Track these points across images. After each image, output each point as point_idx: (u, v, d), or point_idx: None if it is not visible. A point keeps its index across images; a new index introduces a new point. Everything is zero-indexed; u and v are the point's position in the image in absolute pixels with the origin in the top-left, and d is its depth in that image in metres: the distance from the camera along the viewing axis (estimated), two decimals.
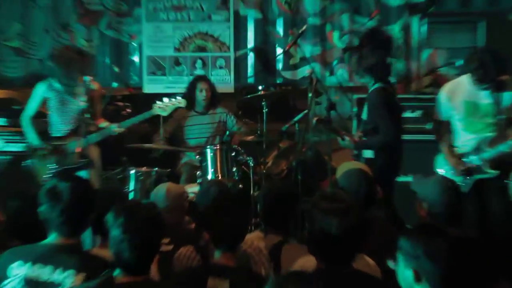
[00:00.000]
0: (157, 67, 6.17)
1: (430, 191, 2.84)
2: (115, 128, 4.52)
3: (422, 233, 2.01)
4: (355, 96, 5.54)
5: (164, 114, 4.61)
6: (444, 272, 1.94)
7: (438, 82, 5.85)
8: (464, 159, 4.17)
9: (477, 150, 4.12)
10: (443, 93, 4.26)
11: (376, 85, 4.23)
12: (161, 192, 3.54)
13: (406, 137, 4.96)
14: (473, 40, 5.69)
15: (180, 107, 4.80)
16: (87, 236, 2.97)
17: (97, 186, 4.42)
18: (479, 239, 2.92)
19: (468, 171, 4.13)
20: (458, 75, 5.56)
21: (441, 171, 4.24)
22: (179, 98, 4.70)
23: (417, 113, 5.36)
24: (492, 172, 4.06)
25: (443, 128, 4.33)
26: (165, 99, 4.61)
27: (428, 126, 5.02)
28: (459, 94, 4.14)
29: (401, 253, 2.05)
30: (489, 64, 3.89)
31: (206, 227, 2.73)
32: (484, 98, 4.06)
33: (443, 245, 1.95)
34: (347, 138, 4.27)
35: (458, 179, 4.12)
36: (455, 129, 4.28)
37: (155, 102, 4.59)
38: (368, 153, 4.22)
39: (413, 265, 1.99)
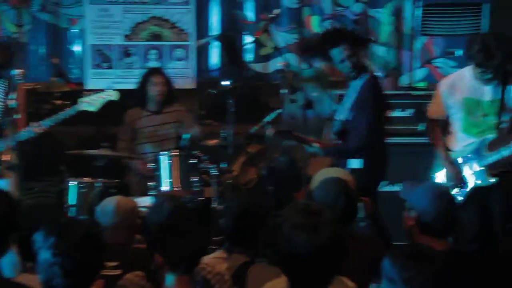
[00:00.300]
0: (103, 58, 6.13)
1: (420, 198, 2.87)
2: (35, 127, 4.50)
3: (402, 255, 2.06)
4: (337, 92, 5.58)
5: (92, 109, 4.65)
6: None
7: (434, 76, 5.95)
8: (462, 165, 4.25)
9: (476, 154, 4.20)
10: (442, 88, 4.33)
11: (367, 75, 4.38)
12: (108, 206, 3.54)
13: (395, 140, 5.06)
14: (476, 26, 5.78)
15: (112, 99, 4.78)
16: (9, 260, 2.93)
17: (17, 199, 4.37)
18: (475, 257, 2.97)
19: (464, 182, 4.23)
20: (458, 67, 5.70)
21: (439, 176, 4.33)
22: (109, 90, 4.73)
23: (408, 112, 5.43)
24: (493, 180, 4.14)
25: (439, 129, 4.41)
26: (95, 93, 4.67)
27: (421, 127, 5.10)
28: (459, 89, 4.21)
29: (382, 275, 2.10)
30: (493, 47, 3.91)
31: (158, 249, 2.72)
32: (488, 94, 4.13)
33: (424, 272, 1.99)
34: (314, 144, 4.35)
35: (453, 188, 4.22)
36: (453, 131, 4.35)
37: (81, 96, 4.62)
38: (354, 163, 4.28)
39: None
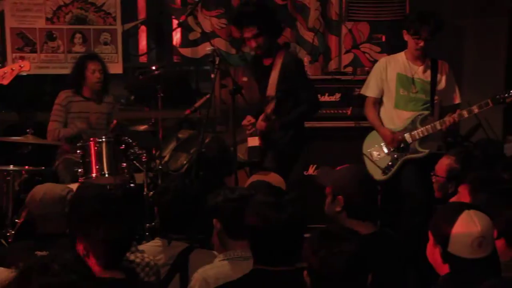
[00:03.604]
0: (26, 42, 5.99)
1: (346, 183, 2.91)
2: None
3: (316, 235, 2.14)
4: None
5: (4, 83, 4.57)
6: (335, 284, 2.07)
7: (360, 61, 6.11)
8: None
9: (410, 127, 4.59)
10: (378, 64, 4.81)
11: (282, 49, 4.63)
12: (37, 195, 3.47)
13: (323, 124, 5.22)
14: (401, 12, 5.93)
15: (24, 70, 4.71)
16: None
17: None
18: (396, 239, 3.08)
19: (402, 144, 4.60)
20: (383, 52, 5.89)
21: (374, 152, 4.67)
22: (21, 60, 4.64)
23: (336, 97, 5.56)
24: (423, 151, 4.56)
25: (372, 104, 4.77)
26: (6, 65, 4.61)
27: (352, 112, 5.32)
28: (393, 66, 4.69)
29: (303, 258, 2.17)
30: (427, 16, 4.49)
31: (80, 238, 2.66)
32: (420, 73, 4.64)
33: (337, 251, 2.06)
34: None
35: (386, 161, 4.60)
36: (387, 108, 4.73)
37: None
38: None
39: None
